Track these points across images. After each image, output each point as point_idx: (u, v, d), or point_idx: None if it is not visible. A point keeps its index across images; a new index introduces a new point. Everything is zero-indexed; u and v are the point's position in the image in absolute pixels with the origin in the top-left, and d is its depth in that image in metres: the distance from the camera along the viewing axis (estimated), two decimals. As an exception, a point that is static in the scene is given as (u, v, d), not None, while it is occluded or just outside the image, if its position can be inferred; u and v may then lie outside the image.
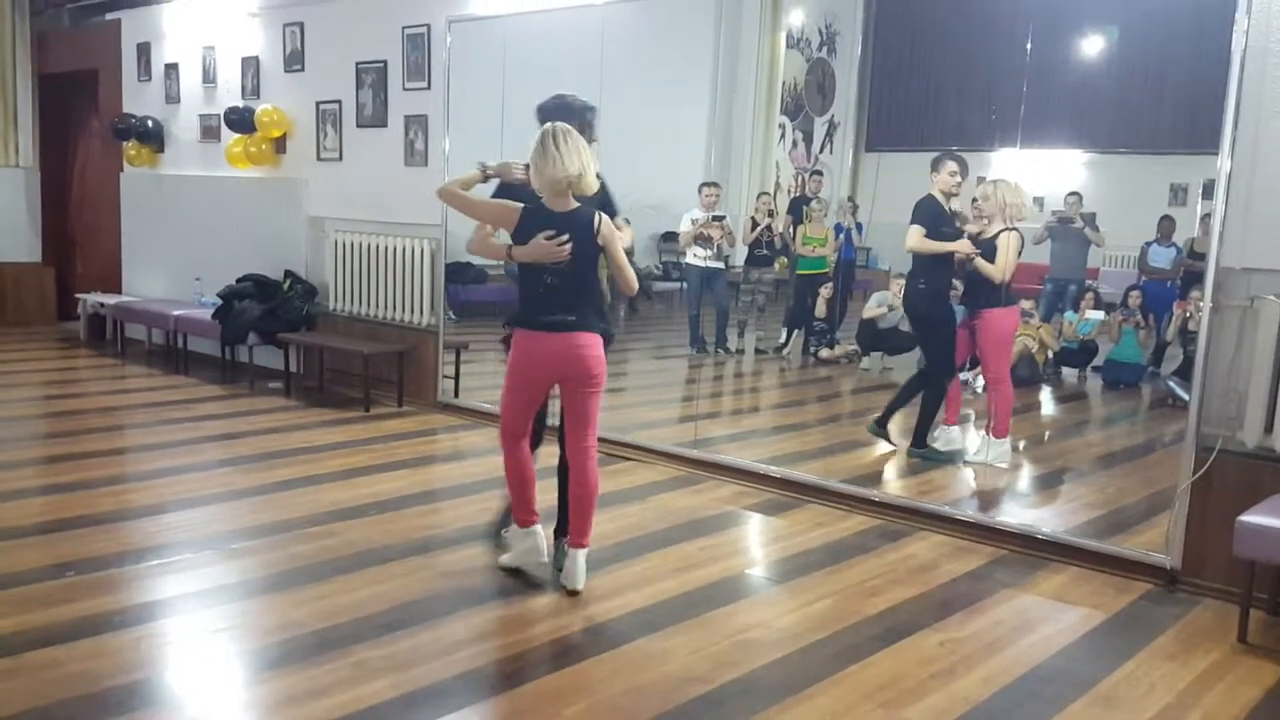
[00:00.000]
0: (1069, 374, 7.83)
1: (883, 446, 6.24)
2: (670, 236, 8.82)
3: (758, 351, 8.76)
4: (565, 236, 3.76)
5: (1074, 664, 3.60)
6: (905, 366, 8.20)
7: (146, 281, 9.64)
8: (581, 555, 3.99)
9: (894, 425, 6.14)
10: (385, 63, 7.50)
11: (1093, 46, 7.46)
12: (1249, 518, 3.77)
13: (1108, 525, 4.98)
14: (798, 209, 8.33)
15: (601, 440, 6.16)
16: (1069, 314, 7.48)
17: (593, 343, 3.90)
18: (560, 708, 3.15)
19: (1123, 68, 7.50)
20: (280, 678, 3.24)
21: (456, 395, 7.21)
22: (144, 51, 9.50)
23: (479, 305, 9.00)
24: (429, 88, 7.26)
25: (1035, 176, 7.61)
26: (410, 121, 7.40)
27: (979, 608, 4.04)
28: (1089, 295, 7.38)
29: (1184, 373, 5.94)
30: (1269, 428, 4.11)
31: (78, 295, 9.88)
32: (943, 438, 6.03)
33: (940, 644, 3.68)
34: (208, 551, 4.32)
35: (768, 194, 8.60)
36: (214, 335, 7.97)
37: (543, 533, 4.11)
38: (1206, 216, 7.22)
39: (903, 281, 7.66)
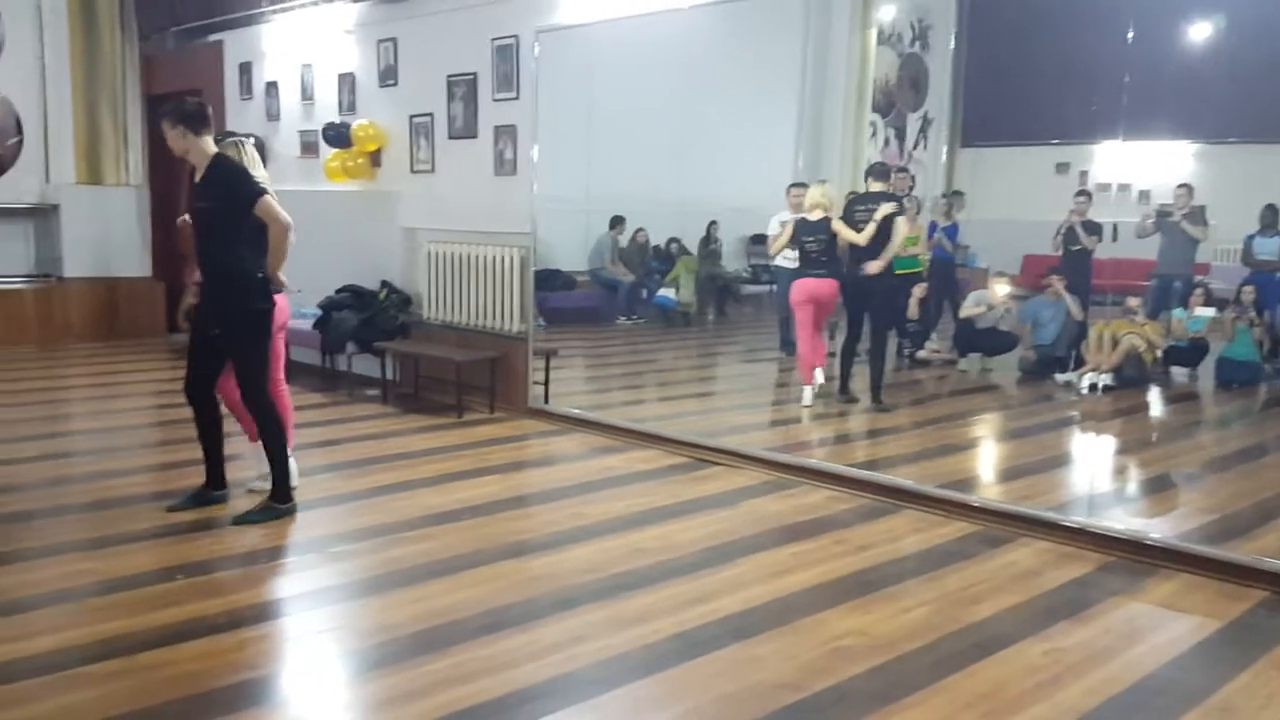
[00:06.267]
0: (1179, 373, 7.55)
1: (979, 452, 6.12)
2: (759, 239, 8.75)
3: (850, 353, 8.61)
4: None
5: (1186, 675, 3.46)
6: (1004, 367, 8.00)
7: (250, 293, 9.94)
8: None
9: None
10: (475, 75, 7.61)
11: (1198, 32, 7.18)
12: (1377, 523, 3.58)
13: (1221, 530, 4.78)
14: (889, 208, 8.15)
15: (690, 445, 6.20)
16: (1178, 311, 7.22)
17: None
18: (652, 713, 3.14)
19: (1229, 53, 7.20)
20: (381, 678, 3.30)
21: (546, 401, 7.27)
22: (245, 71, 9.83)
23: (568, 312, 9.07)
24: (517, 98, 7.34)
25: (1139, 169, 7.35)
26: (499, 132, 7.49)
27: (1085, 616, 3.90)
28: (1199, 291, 7.11)
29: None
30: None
31: (186, 308, 10.25)
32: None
33: (1044, 653, 3.57)
34: (310, 555, 4.43)
35: (858, 193, 8.46)
36: (314, 345, 8.19)
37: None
38: (1326, 207, 6.89)
39: (1004, 280, 7.49)
